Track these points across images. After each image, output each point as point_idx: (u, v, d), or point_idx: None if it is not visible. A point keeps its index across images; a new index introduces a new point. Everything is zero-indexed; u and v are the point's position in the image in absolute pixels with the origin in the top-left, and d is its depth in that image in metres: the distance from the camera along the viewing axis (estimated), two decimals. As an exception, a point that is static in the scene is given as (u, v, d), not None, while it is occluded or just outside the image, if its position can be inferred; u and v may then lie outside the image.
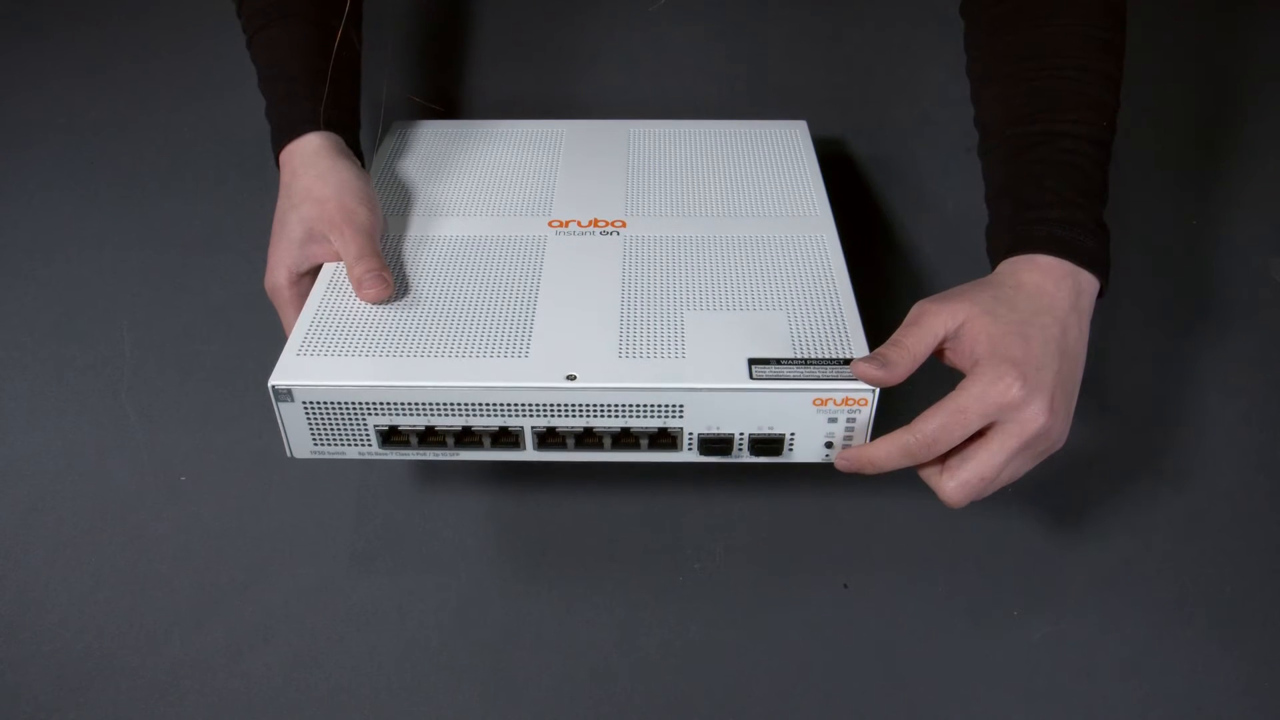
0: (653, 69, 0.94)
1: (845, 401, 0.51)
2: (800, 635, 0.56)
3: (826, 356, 0.52)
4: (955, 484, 0.49)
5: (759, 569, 0.59)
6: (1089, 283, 0.53)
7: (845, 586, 0.58)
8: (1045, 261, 0.53)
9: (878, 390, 0.50)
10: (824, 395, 0.50)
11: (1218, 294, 0.74)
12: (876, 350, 0.51)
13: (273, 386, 0.51)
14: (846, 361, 0.51)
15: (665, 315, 0.55)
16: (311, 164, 0.61)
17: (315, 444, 0.53)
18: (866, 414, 0.51)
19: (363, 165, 0.66)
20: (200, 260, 0.77)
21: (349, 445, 0.53)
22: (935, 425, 0.48)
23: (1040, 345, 0.50)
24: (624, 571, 0.59)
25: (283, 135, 0.63)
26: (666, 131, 0.74)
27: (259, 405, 0.67)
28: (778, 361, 0.51)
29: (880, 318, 0.63)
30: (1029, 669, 0.55)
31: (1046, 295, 0.52)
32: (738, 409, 0.51)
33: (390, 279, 0.56)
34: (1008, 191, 0.57)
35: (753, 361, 0.51)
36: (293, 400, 0.51)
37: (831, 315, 0.55)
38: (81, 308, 0.74)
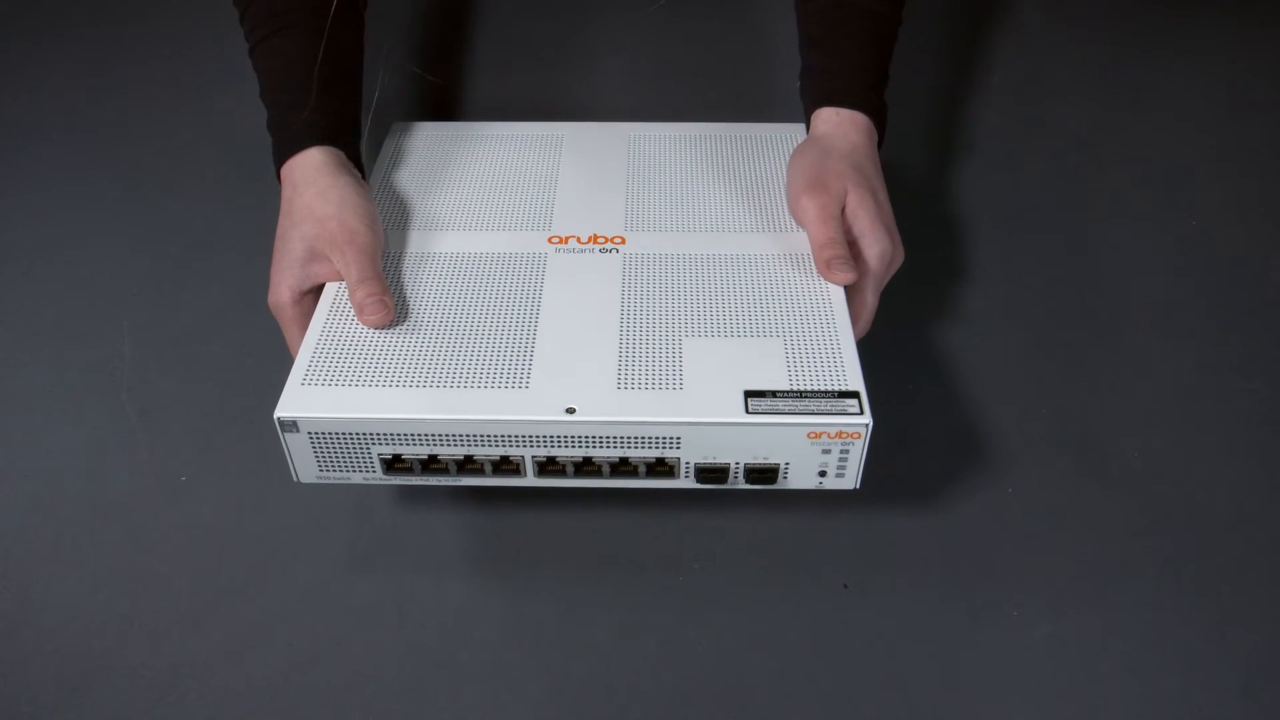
0: (652, 69, 0.94)
1: (839, 435, 0.51)
2: (800, 635, 0.56)
3: (821, 389, 0.52)
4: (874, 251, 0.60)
5: (759, 569, 0.59)
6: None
7: (845, 587, 0.58)
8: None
9: (870, 424, 0.51)
10: (818, 429, 0.51)
11: (1217, 294, 0.74)
12: (831, 256, 0.58)
13: (278, 418, 0.52)
14: (841, 394, 0.52)
15: (664, 342, 0.55)
16: (312, 181, 0.61)
17: (321, 470, 0.54)
18: (860, 446, 0.52)
19: (364, 174, 0.66)
20: (200, 260, 0.77)
21: (353, 471, 0.54)
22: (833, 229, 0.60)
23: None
24: (624, 572, 0.59)
25: (283, 150, 0.63)
26: (666, 135, 0.73)
27: (259, 406, 0.67)
28: (773, 394, 0.52)
29: (878, 318, 0.63)
30: (1029, 669, 0.55)
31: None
32: (734, 441, 0.52)
33: (391, 303, 0.57)
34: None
35: (749, 394, 0.52)
36: (298, 431, 0.52)
37: (827, 343, 0.55)
38: (81, 308, 0.74)
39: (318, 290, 0.60)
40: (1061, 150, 0.86)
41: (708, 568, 0.59)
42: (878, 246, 0.60)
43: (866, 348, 0.62)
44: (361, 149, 0.67)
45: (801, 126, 0.70)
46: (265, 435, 0.64)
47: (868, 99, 0.66)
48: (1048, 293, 0.74)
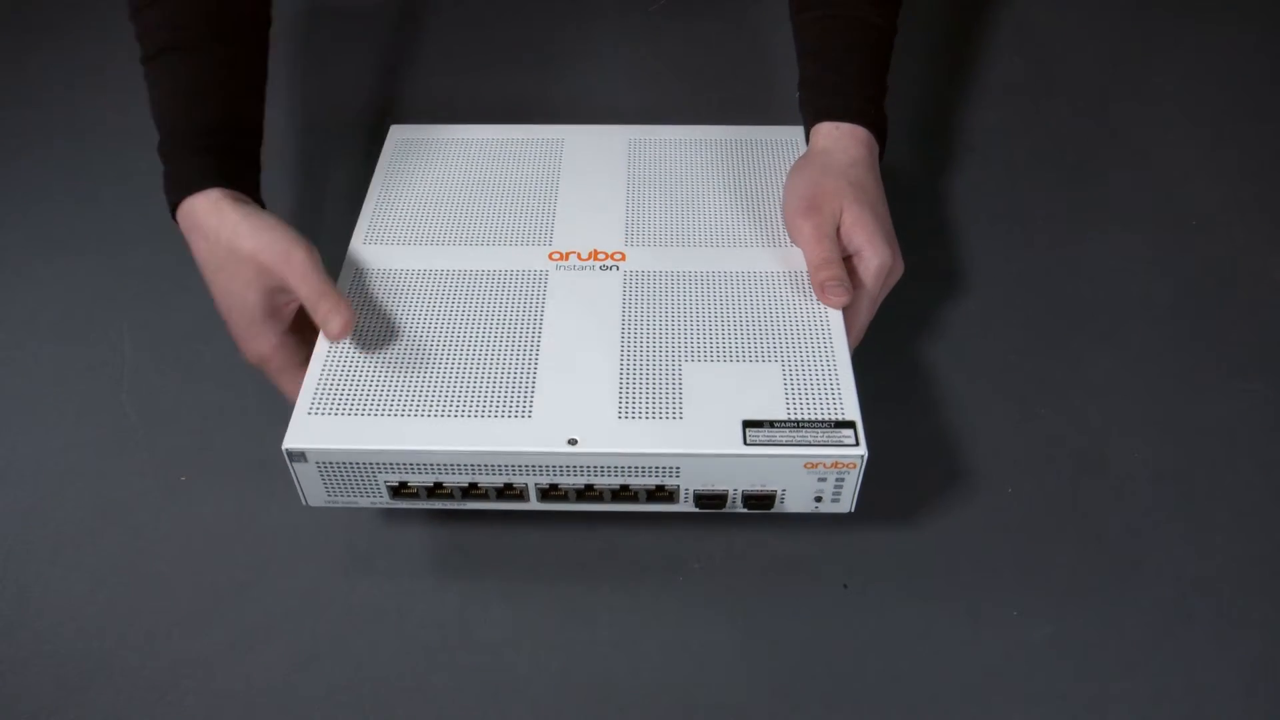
0: (652, 70, 0.94)
1: (835, 465, 0.52)
2: (800, 635, 0.56)
3: (819, 418, 0.53)
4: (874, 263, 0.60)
5: (759, 569, 0.59)
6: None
7: (845, 586, 0.58)
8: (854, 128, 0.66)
9: (866, 456, 0.52)
10: (814, 460, 0.52)
11: (1217, 294, 0.74)
12: (826, 278, 0.59)
13: (286, 450, 0.52)
14: (837, 424, 0.52)
15: (664, 367, 0.56)
16: (222, 222, 0.57)
17: (329, 496, 0.55)
18: (855, 475, 0.53)
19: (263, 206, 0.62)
20: (200, 260, 0.77)
21: (361, 497, 0.55)
22: (829, 248, 0.60)
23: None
24: (624, 572, 0.59)
25: (180, 187, 0.59)
26: (666, 139, 0.73)
27: (259, 405, 0.67)
28: (771, 424, 0.52)
29: (878, 317, 0.63)
30: (1029, 669, 0.55)
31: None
32: (732, 470, 0.52)
33: (348, 306, 0.56)
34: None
35: (747, 424, 0.52)
36: (306, 461, 0.53)
37: (825, 370, 0.55)
38: (81, 308, 0.74)
39: (293, 324, 0.59)
40: (1061, 150, 0.86)
41: (708, 568, 0.59)
42: (877, 260, 0.60)
43: (866, 349, 0.62)
44: (260, 181, 0.64)
45: (802, 129, 0.70)
46: (265, 436, 0.64)
47: (866, 112, 0.65)
48: (1048, 293, 0.74)
